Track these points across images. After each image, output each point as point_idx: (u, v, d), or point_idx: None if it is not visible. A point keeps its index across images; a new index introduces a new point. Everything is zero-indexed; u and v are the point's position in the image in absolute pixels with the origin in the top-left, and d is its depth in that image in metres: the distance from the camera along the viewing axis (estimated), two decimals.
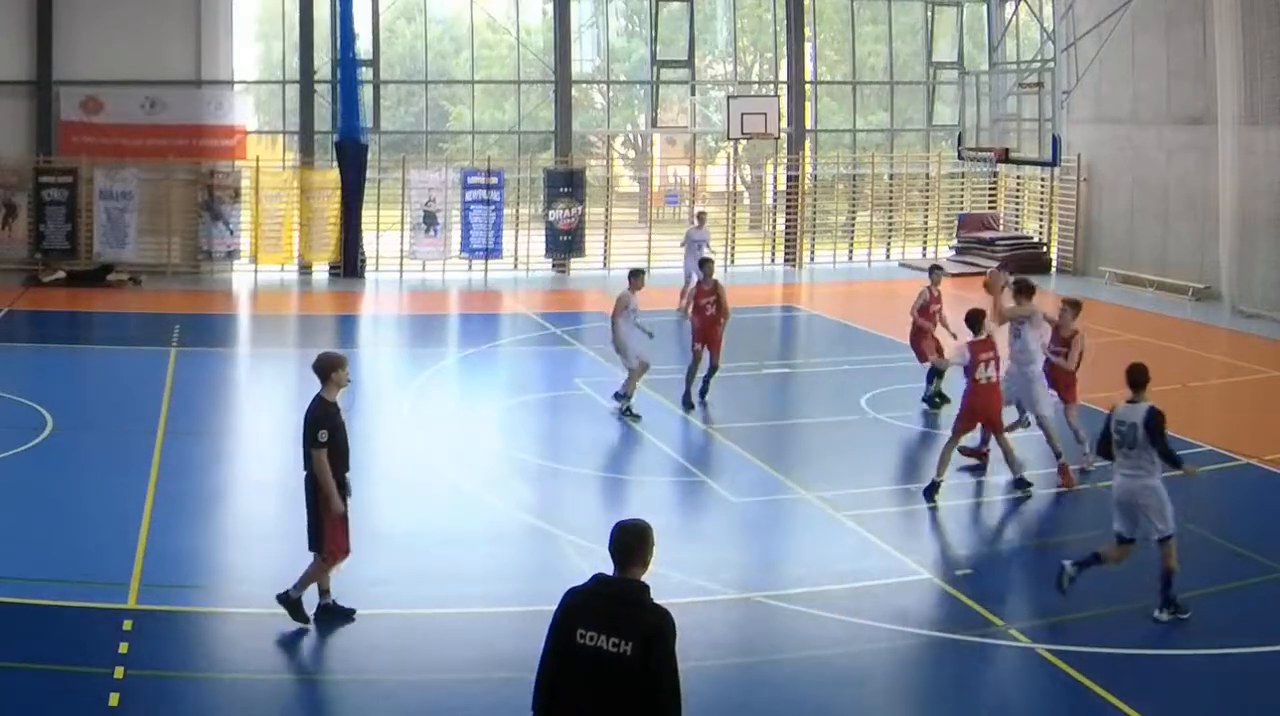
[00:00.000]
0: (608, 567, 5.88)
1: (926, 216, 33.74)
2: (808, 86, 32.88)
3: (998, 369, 13.39)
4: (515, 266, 30.25)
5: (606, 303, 23.78)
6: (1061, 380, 14.36)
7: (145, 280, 27.94)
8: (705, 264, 17.86)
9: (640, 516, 6.09)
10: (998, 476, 14.15)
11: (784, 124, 31.26)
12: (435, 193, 29.65)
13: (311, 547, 9.84)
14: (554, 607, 5.88)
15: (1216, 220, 25.85)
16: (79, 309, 25.52)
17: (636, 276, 16.81)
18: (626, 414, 16.41)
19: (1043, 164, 28.00)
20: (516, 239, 30.32)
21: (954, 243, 33.01)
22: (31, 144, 28.32)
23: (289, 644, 9.76)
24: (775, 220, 33.39)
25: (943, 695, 9.33)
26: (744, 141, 32.00)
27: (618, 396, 16.70)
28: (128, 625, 9.73)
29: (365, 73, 29.62)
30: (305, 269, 29.47)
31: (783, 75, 32.90)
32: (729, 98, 30.76)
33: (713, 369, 17.22)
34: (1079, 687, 9.08)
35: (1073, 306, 14.56)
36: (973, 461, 14.41)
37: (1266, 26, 24.27)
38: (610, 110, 34.62)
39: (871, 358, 20.61)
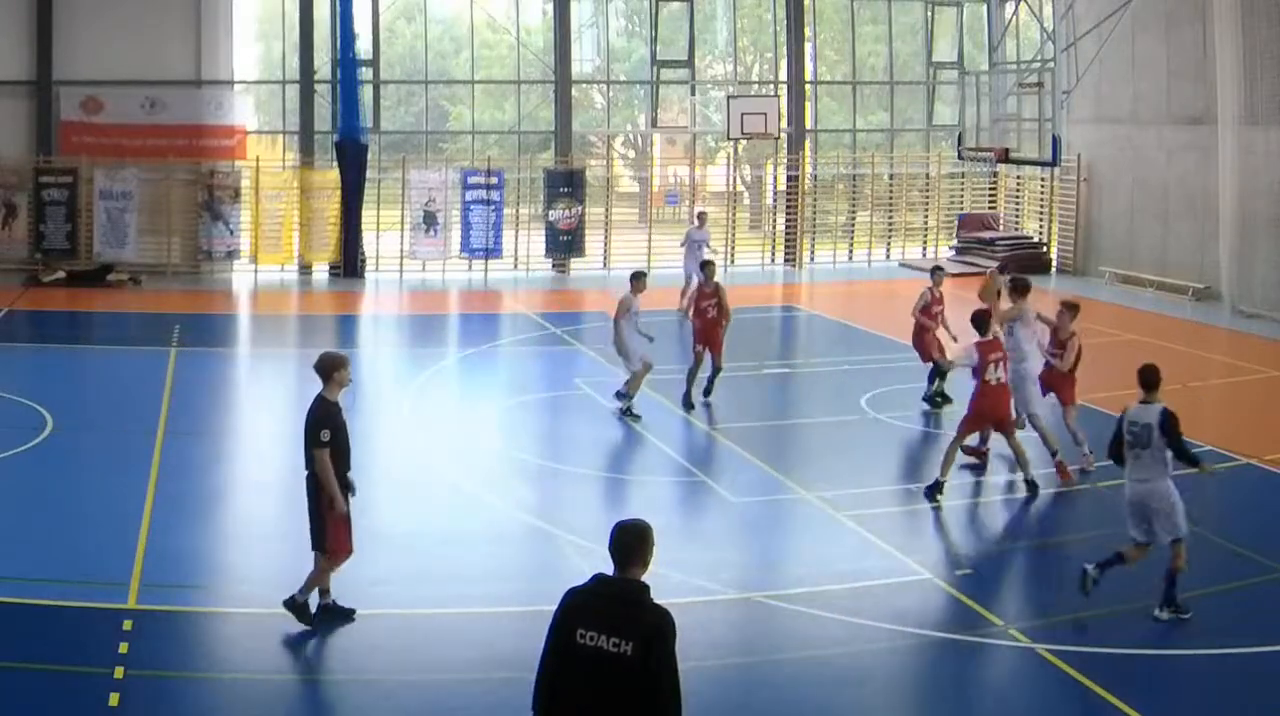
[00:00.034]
0: (608, 567, 5.88)
1: (926, 216, 33.74)
2: (808, 86, 32.88)
3: (1006, 369, 13.39)
4: (515, 266, 30.25)
5: (606, 302, 23.82)
6: (1059, 382, 14.36)
7: (145, 280, 27.94)
8: (707, 266, 17.80)
9: (640, 516, 6.09)
10: (997, 476, 14.16)
11: (784, 124, 31.26)
12: (435, 193, 29.65)
13: (315, 547, 9.83)
14: (554, 607, 5.88)
15: (1216, 220, 25.85)
16: (79, 309, 25.52)
17: (638, 279, 16.80)
18: (627, 414, 16.42)
19: (1043, 164, 28.01)
20: (516, 239, 30.32)
21: (954, 243, 33.00)
22: (31, 144, 28.33)
23: (289, 644, 9.76)
24: (775, 220, 33.39)
25: (943, 695, 9.33)
26: (744, 141, 32.00)
27: (619, 395, 16.70)
28: (128, 625, 9.73)
29: (365, 73, 29.62)
30: (305, 269, 29.47)
31: (783, 75, 32.90)
32: (729, 98, 30.76)
33: (716, 370, 17.21)
34: (1079, 687, 9.08)
35: (1070, 309, 14.56)
36: (972, 460, 14.41)
37: (1266, 26, 24.27)
38: (610, 110, 34.63)
39: (871, 357, 20.61)
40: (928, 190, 33.52)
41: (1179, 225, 27.81)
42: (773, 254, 32.63)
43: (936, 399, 17.08)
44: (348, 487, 9.85)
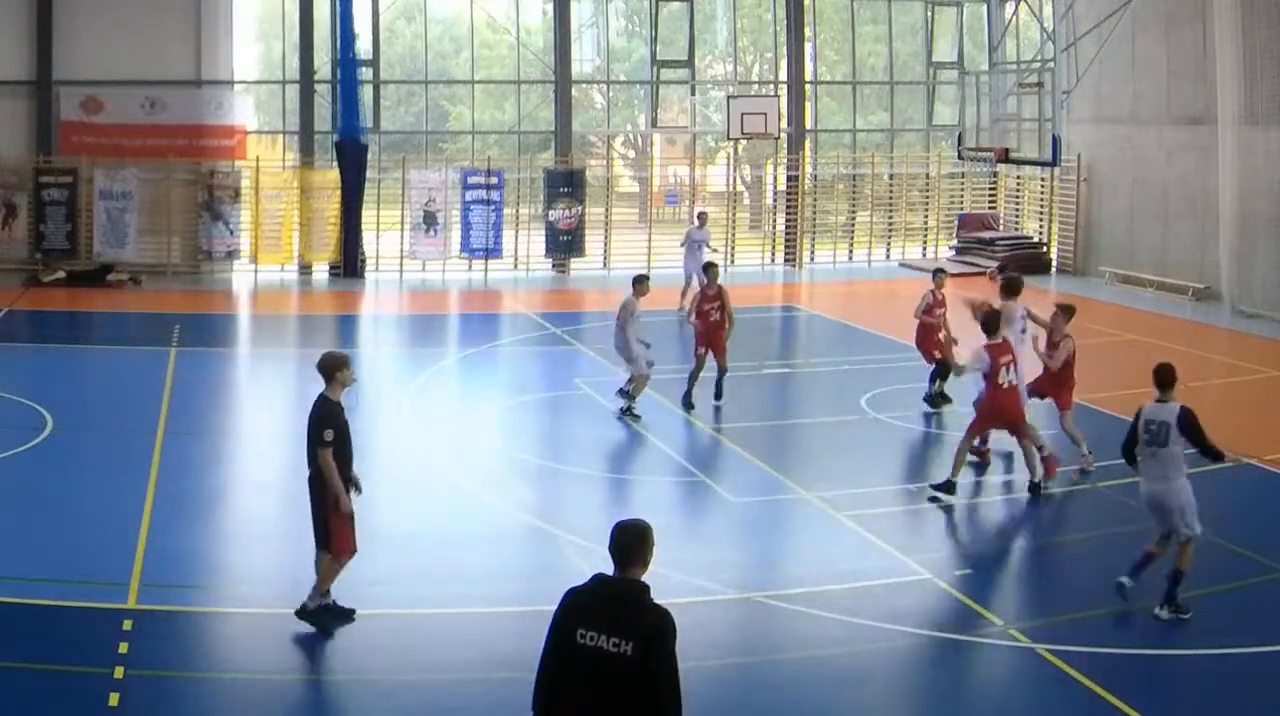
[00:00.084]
0: (608, 567, 5.88)
1: (926, 216, 33.74)
2: (808, 86, 32.88)
3: (1017, 371, 13.39)
4: (515, 266, 30.25)
5: (606, 302, 23.83)
6: (1054, 386, 14.34)
7: (145, 280, 27.94)
8: (710, 269, 17.69)
9: (640, 516, 6.09)
10: (997, 476, 14.16)
11: (784, 124, 31.26)
12: (435, 193, 29.65)
13: (321, 546, 9.82)
14: (554, 607, 5.88)
15: (1216, 220, 25.85)
16: (79, 309, 25.52)
17: (641, 282, 16.77)
18: (627, 414, 16.42)
19: (1043, 164, 28.01)
20: (516, 239, 30.32)
21: (954, 243, 33.00)
22: (31, 144, 28.33)
23: (289, 644, 9.75)
24: (775, 220, 33.39)
25: (943, 695, 9.33)
26: (744, 141, 32.00)
27: (621, 392, 16.70)
28: (128, 625, 9.73)
29: (365, 73, 29.62)
30: (305, 269, 29.47)
31: (783, 75, 32.90)
32: (729, 98, 30.77)
33: (722, 371, 17.13)
34: (1079, 687, 9.08)
35: (1065, 311, 14.55)
36: (974, 459, 14.41)
37: (1266, 26, 24.27)
38: (610, 110, 34.63)
39: (871, 357, 20.61)
40: (928, 190, 33.52)
41: (1179, 225, 27.81)
42: (773, 254, 32.63)
43: (936, 399, 17.08)
44: (353, 485, 9.86)
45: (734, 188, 34.44)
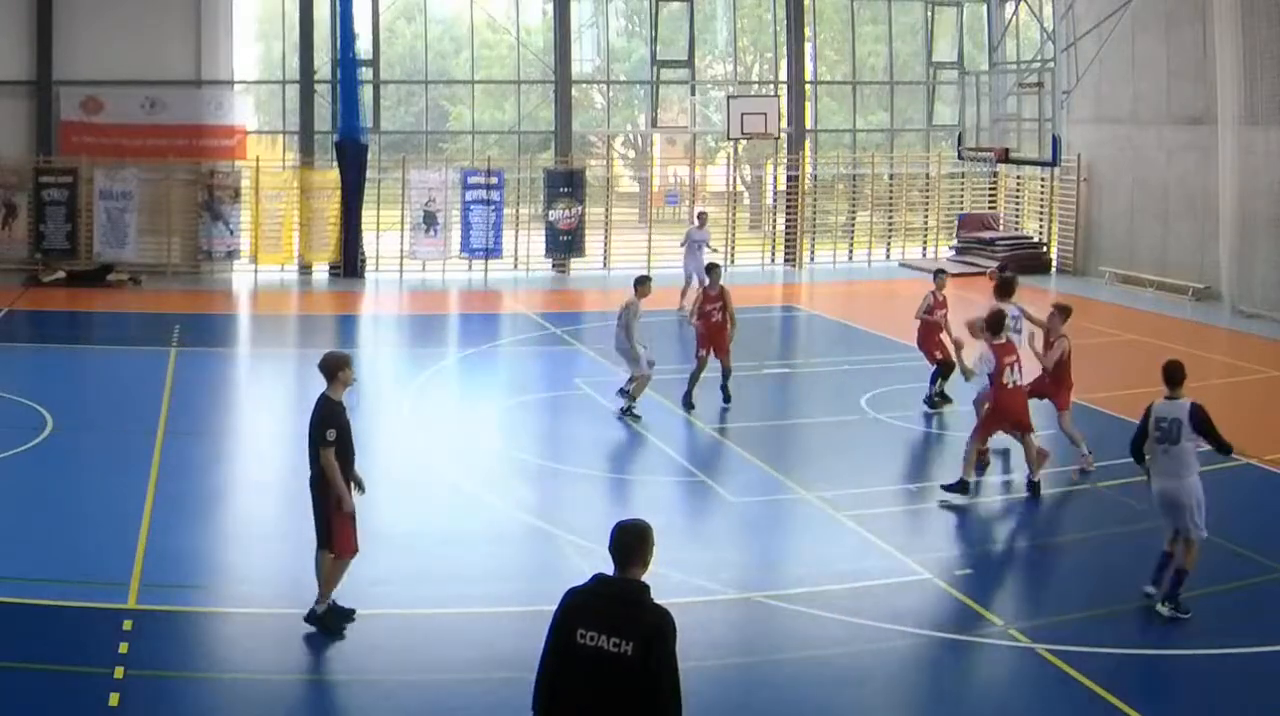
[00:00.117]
0: (608, 567, 5.88)
1: (926, 216, 33.73)
2: (808, 86, 32.88)
3: (1021, 371, 13.41)
4: (515, 266, 30.25)
5: (606, 302, 23.84)
6: (1051, 387, 14.34)
7: (145, 280, 27.94)
8: (712, 270, 17.64)
9: (640, 516, 6.09)
10: (997, 476, 14.16)
11: (784, 124, 31.25)
12: (435, 193, 29.65)
13: (322, 546, 9.81)
14: (554, 607, 5.88)
15: (1216, 220, 25.85)
16: (79, 309, 25.52)
17: (643, 284, 16.77)
18: (627, 414, 16.42)
19: (1043, 164, 28.01)
20: (516, 239, 30.32)
21: (954, 243, 33.00)
22: (31, 144, 28.32)
23: (289, 644, 9.75)
24: (775, 220, 33.39)
25: (943, 695, 9.34)
26: (744, 141, 32.00)
27: (622, 392, 16.71)
28: (128, 625, 9.73)
29: (365, 73, 29.62)
30: (305, 269, 29.47)
31: (783, 75, 32.90)
32: (729, 98, 30.76)
33: (726, 373, 17.07)
34: (1079, 687, 9.08)
35: (1062, 311, 14.56)
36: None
37: (1266, 26, 24.27)
38: (610, 110, 34.63)
39: (871, 357, 20.61)
40: (928, 190, 33.52)
41: (1179, 225, 27.81)
42: (773, 254, 32.63)
43: (936, 399, 17.08)
44: (357, 484, 9.87)
45: (734, 188, 34.44)
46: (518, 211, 30.56)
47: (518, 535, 12.43)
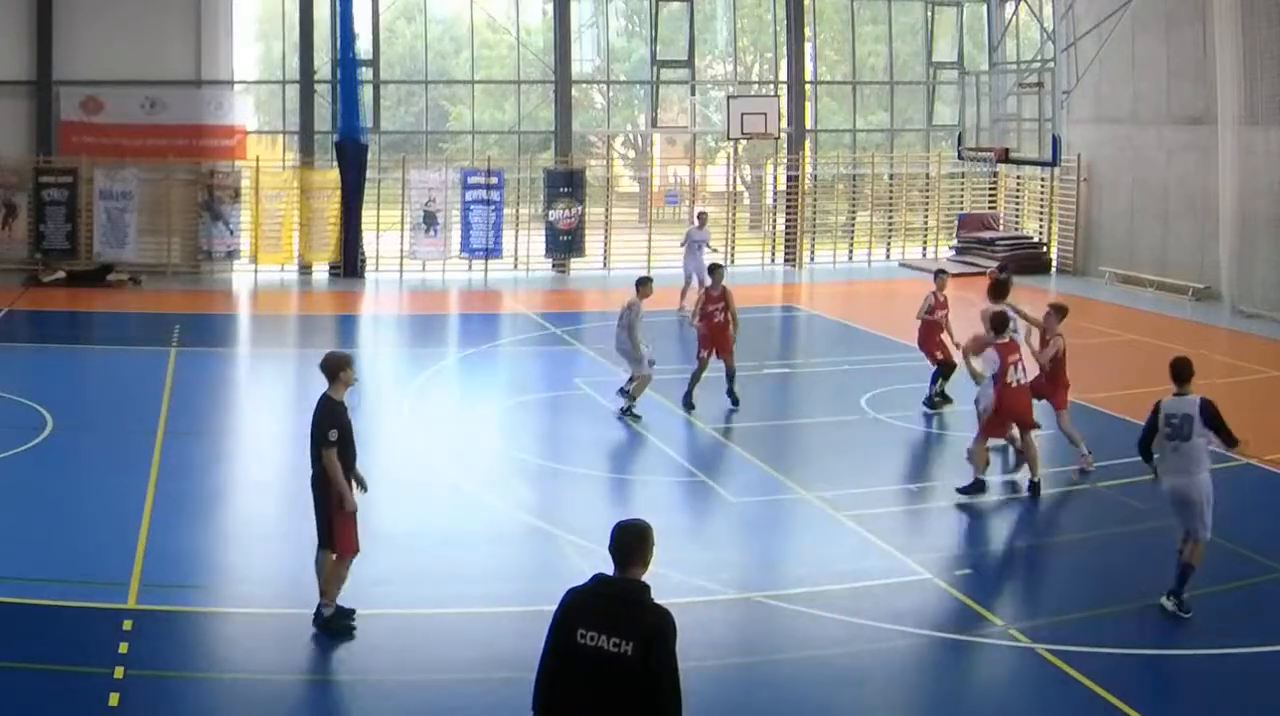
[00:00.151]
0: (608, 567, 5.88)
1: (926, 216, 33.73)
2: (808, 86, 32.88)
3: (1025, 369, 13.42)
4: (515, 266, 30.24)
5: (606, 302, 23.84)
6: (1048, 388, 14.34)
7: (145, 280, 27.94)
8: (715, 270, 17.57)
9: (640, 516, 6.09)
10: (997, 476, 14.15)
11: (784, 124, 31.25)
12: (435, 193, 29.65)
13: (324, 545, 9.80)
14: (554, 607, 5.88)
15: (1216, 220, 25.84)
16: (79, 309, 25.52)
17: (644, 284, 16.76)
18: (627, 414, 16.41)
19: (1043, 164, 28.02)
20: (516, 239, 30.32)
21: (954, 243, 33.00)
22: (31, 144, 28.32)
23: (289, 644, 9.75)
24: (775, 220, 33.39)
25: (943, 695, 9.33)
26: (744, 141, 32.00)
27: (622, 391, 16.71)
28: (128, 625, 9.73)
29: (365, 73, 29.61)
30: (305, 269, 29.47)
31: (783, 75, 32.90)
32: (729, 98, 30.76)
33: (730, 375, 16.96)
34: (1079, 687, 9.08)
35: (1058, 311, 14.58)
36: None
37: (1266, 26, 24.27)
38: (610, 110, 34.63)
39: (871, 357, 20.61)
40: (928, 190, 33.52)
41: (1179, 225, 27.81)
42: (773, 254, 32.62)
43: (936, 399, 17.07)
44: (359, 483, 9.87)
45: (734, 188, 34.43)
46: (518, 211, 30.55)
47: (518, 535, 12.43)
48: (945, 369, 17.01)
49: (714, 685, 8.84)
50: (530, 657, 5.99)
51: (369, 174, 28.99)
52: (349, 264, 28.95)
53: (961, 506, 13.19)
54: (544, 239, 30.38)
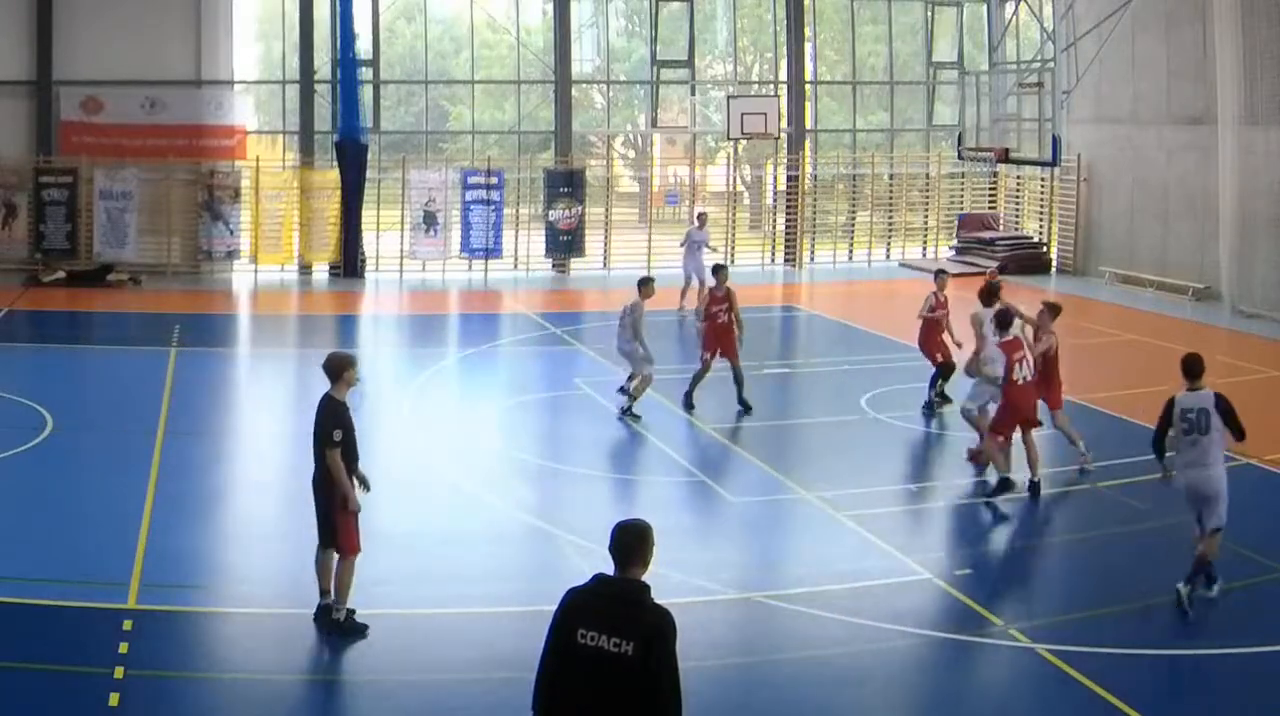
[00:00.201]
0: (608, 567, 5.88)
1: (926, 216, 33.73)
2: (808, 86, 32.88)
3: (1030, 366, 13.43)
4: (515, 266, 30.24)
5: (606, 302, 23.85)
6: (1044, 386, 14.32)
7: (145, 280, 27.94)
8: (719, 271, 17.50)
9: (640, 516, 6.09)
10: (997, 476, 14.13)
11: (784, 124, 31.25)
12: (435, 193, 29.65)
13: (326, 545, 9.79)
14: (554, 607, 5.88)
15: (1216, 220, 25.84)
16: (79, 309, 25.52)
17: (646, 284, 16.74)
18: (627, 413, 16.41)
19: (1043, 164, 28.02)
20: (516, 239, 30.32)
21: (954, 243, 33.00)
22: (31, 144, 28.32)
23: (289, 644, 9.76)
24: (775, 220, 33.38)
25: (943, 695, 9.33)
26: (744, 141, 32.00)
27: (622, 390, 16.70)
28: (128, 625, 9.73)
29: (365, 73, 29.61)
30: (305, 269, 29.47)
31: (783, 75, 32.90)
32: (729, 98, 30.76)
33: (740, 382, 16.80)
34: (1079, 687, 9.08)
35: (1051, 309, 14.60)
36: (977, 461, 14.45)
37: (1266, 26, 24.27)
38: (610, 110, 34.63)
39: (871, 357, 20.61)
40: (928, 190, 33.52)
41: (1179, 225, 27.81)
42: (773, 254, 32.62)
43: (935, 400, 17.06)
44: (362, 482, 9.87)
45: (734, 188, 34.43)
46: (518, 211, 30.55)
47: (518, 535, 12.43)
48: (945, 370, 17.00)
49: (714, 685, 8.84)
50: (530, 657, 5.99)
51: (369, 174, 28.99)
52: (349, 264, 28.95)
53: (964, 506, 13.19)
54: (544, 239, 30.38)
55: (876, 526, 12.44)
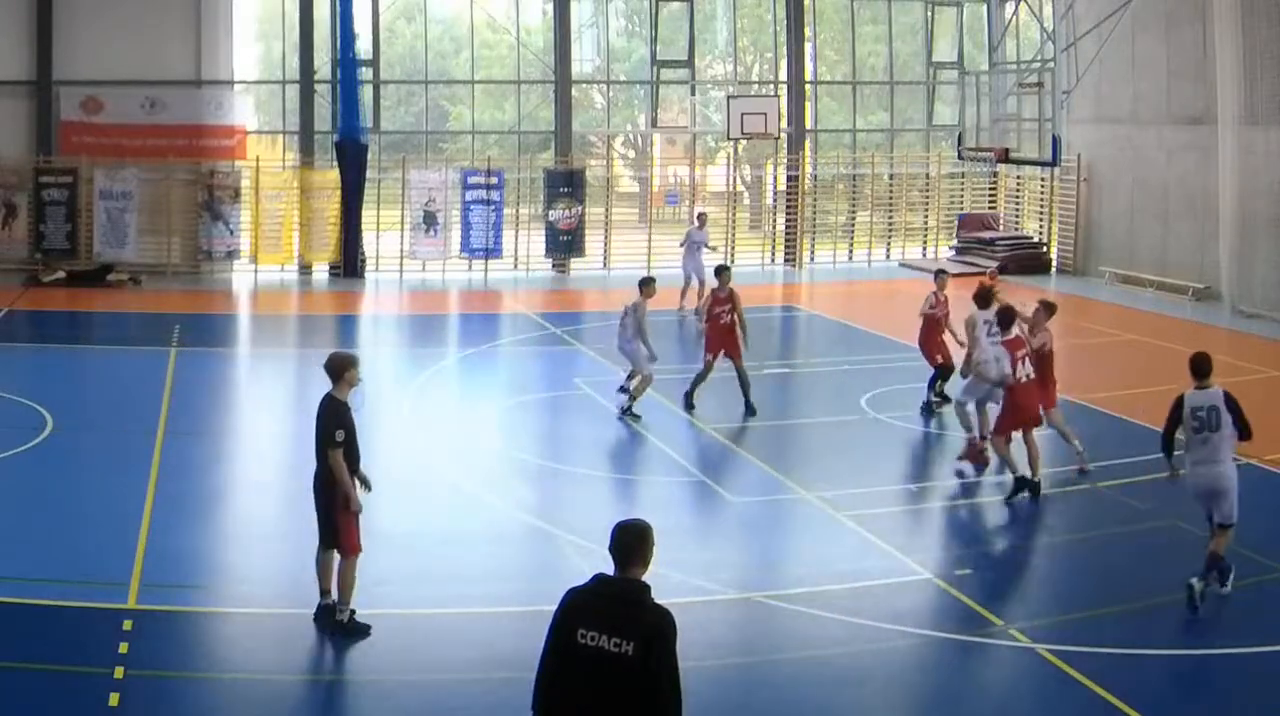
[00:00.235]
0: (608, 567, 5.87)
1: (926, 216, 33.73)
2: (808, 86, 32.88)
3: (1032, 364, 13.44)
4: (515, 266, 30.25)
5: (606, 303, 23.85)
6: (1039, 385, 14.33)
7: (145, 280, 27.94)
8: (722, 272, 17.45)
9: (640, 516, 6.09)
10: (997, 476, 14.15)
11: (784, 124, 31.25)
12: (435, 193, 29.65)
13: (329, 545, 9.79)
14: (554, 607, 5.88)
15: (1216, 220, 25.84)
16: (79, 309, 25.52)
17: (648, 285, 16.74)
18: (627, 413, 16.41)
19: (1043, 164, 28.03)
20: (516, 239, 30.32)
21: (954, 243, 33.00)
22: (31, 144, 28.32)
23: (289, 644, 9.76)
24: (775, 220, 33.39)
25: (943, 695, 9.33)
26: (744, 141, 32.00)
27: (622, 390, 16.70)
28: (128, 625, 9.72)
29: (365, 73, 29.62)
30: (305, 269, 29.47)
31: (783, 75, 32.91)
32: (729, 98, 30.76)
33: (746, 384, 16.74)
34: (1079, 687, 9.08)
35: (1046, 307, 14.61)
36: (965, 463, 14.45)
37: (1266, 26, 24.27)
38: (610, 110, 34.63)
39: (871, 357, 20.61)
40: (928, 190, 33.52)
41: (1179, 225, 27.81)
42: (773, 254, 32.62)
43: (935, 401, 17.06)
44: (363, 482, 9.87)
45: (734, 188, 34.43)
46: (518, 211, 30.56)
47: (518, 535, 12.43)
48: (944, 371, 17.00)
49: (714, 685, 8.83)
50: (530, 657, 5.99)
51: (369, 174, 29.00)
52: (349, 264, 28.95)
53: (963, 506, 13.19)
54: (544, 239, 30.38)
55: (876, 526, 12.44)
